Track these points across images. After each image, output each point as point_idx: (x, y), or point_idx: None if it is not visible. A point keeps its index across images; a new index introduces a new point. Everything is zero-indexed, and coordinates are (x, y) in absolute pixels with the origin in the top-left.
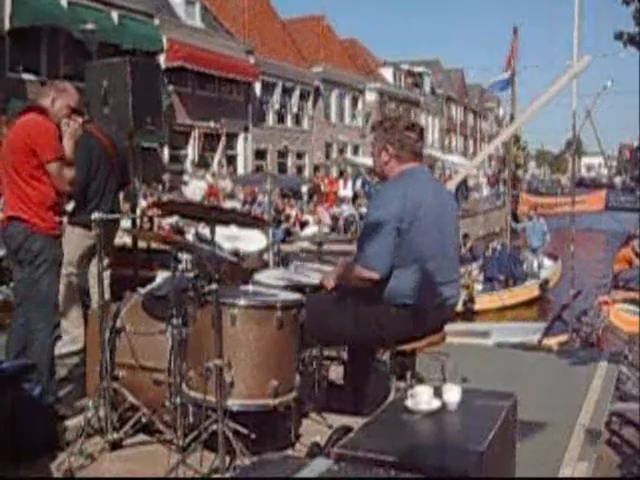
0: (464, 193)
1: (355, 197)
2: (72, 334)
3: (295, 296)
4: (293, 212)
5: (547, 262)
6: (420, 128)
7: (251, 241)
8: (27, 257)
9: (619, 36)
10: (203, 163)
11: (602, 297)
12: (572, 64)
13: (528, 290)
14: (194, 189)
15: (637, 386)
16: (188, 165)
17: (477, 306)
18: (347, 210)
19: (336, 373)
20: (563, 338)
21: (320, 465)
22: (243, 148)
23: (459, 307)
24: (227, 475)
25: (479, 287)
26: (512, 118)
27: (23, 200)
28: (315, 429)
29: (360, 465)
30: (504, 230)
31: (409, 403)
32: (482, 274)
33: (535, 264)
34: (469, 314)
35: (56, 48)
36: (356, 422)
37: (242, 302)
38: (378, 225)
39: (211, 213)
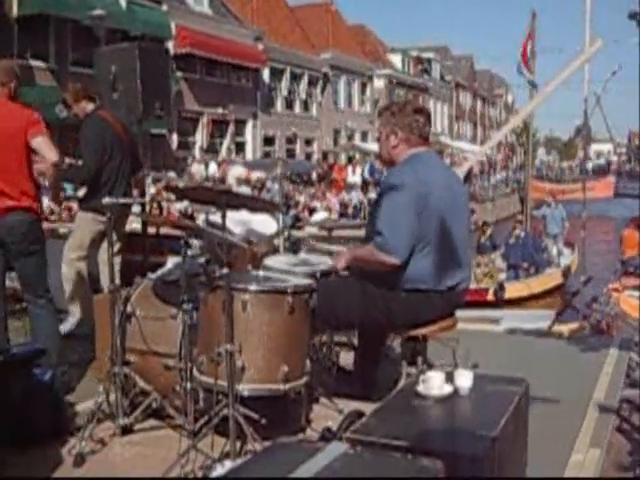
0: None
1: (364, 184)
2: (76, 317)
3: (306, 281)
4: (302, 198)
5: (565, 249)
6: (427, 112)
7: (262, 226)
8: (34, 246)
9: (633, 16)
10: (212, 149)
11: (612, 284)
12: (584, 48)
13: (552, 277)
14: (231, 176)
15: None
16: (197, 151)
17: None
18: (356, 196)
19: (346, 359)
20: (574, 325)
21: (336, 449)
22: (252, 135)
23: (490, 296)
24: (239, 460)
25: (502, 275)
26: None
27: (24, 192)
28: (325, 414)
29: (375, 449)
30: (515, 216)
31: (421, 388)
32: (505, 262)
33: (554, 251)
34: (500, 303)
35: (64, 34)
36: (367, 407)
37: (253, 287)
38: (396, 209)
39: (222, 197)
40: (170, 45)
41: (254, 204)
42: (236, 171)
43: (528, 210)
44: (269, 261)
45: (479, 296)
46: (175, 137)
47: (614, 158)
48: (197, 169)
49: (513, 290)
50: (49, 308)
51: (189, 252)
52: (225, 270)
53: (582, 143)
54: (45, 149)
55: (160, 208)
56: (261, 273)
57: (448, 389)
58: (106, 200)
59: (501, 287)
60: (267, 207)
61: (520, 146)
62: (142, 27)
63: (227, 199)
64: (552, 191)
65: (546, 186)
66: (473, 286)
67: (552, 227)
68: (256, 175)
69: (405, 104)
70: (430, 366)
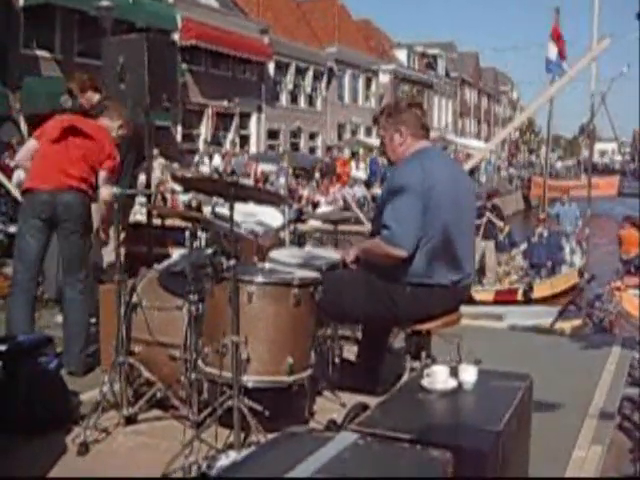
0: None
1: (368, 179)
2: None
3: (312, 274)
4: (305, 192)
5: (577, 248)
6: (420, 104)
7: (267, 219)
8: (84, 228)
9: None
10: (216, 142)
11: (615, 283)
12: (592, 47)
13: (572, 276)
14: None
15: None
16: (201, 144)
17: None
18: (359, 191)
19: (350, 353)
20: (576, 322)
21: (346, 439)
22: (256, 128)
23: (519, 296)
24: (244, 450)
25: (520, 273)
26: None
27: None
28: (329, 407)
29: (384, 440)
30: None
31: (425, 382)
32: (526, 260)
33: (567, 249)
34: (529, 303)
35: (70, 25)
36: (370, 401)
37: (259, 279)
38: (403, 202)
39: (230, 189)
40: (176, 37)
41: (261, 196)
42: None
43: (544, 207)
44: (275, 254)
45: (510, 296)
46: (180, 129)
47: (618, 157)
48: (202, 162)
49: (538, 290)
50: (85, 294)
51: (195, 244)
52: (232, 262)
53: (587, 141)
54: (103, 184)
55: (164, 199)
56: (267, 265)
57: (452, 383)
58: (114, 190)
59: (530, 287)
60: (274, 199)
61: (524, 144)
62: (148, 19)
63: (235, 191)
64: (564, 189)
65: (550, 183)
66: (497, 287)
67: (566, 225)
68: (260, 168)
69: (396, 103)
70: (434, 361)
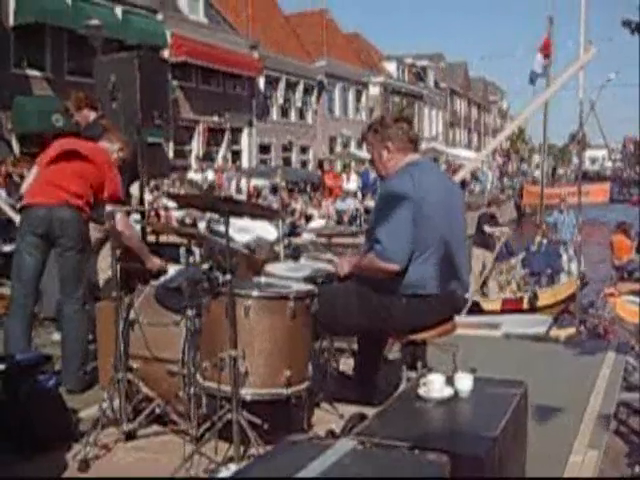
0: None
1: (361, 191)
2: None
3: (308, 287)
4: (298, 206)
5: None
6: (408, 119)
7: (262, 233)
8: (81, 244)
9: (627, 23)
10: (208, 158)
11: (608, 289)
12: (579, 55)
13: (572, 284)
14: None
15: None
16: (193, 160)
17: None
18: (352, 204)
19: (346, 365)
20: (571, 330)
21: (345, 445)
22: (247, 143)
23: (525, 305)
24: (244, 463)
25: (520, 282)
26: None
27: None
28: (327, 419)
29: (382, 446)
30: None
31: (422, 391)
32: (526, 269)
33: (565, 257)
34: (534, 311)
35: (60, 44)
36: (368, 411)
37: (255, 293)
38: (394, 216)
39: (225, 205)
40: (166, 54)
41: (256, 211)
42: None
43: (541, 216)
44: (270, 267)
45: (516, 305)
46: (171, 146)
47: (609, 164)
48: (195, 177)
49: (541, 298)
50: (82, 313)
51: (191, 259)
52: (228, 276)
53: (577, 149)
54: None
55: (158, 216)
56: (263, 279)
57: (449, 392)
58: (109, 208)
59: (535, 296)
60: (268, 214)
61: (515, 153)
62: (138, 36)
63: (229, 206)
64: (562, 196)
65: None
66: (501, 295)
67: (564, 234)
68: (253, 183)
69: (382, 118)
70: (430, 370)
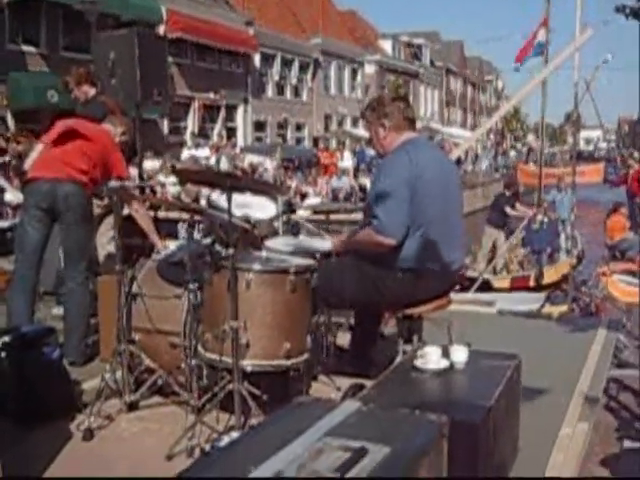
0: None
1: (356, 169)
2: None
3: (308, 261)
4: (293, 184)
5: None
6: (405, 98)
7: (261, 209)
8: (85, 218)
9: (621, 9)
10: (203, 134)
11: (600, 268)
12: (575, 36)
13: (572, 262)
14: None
15: (635, 354)
16: (188, 137)
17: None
18: (347, 182)
19: (344, 339)
20: (564, 307)
21: (350, 406)
22: (243, 120)
23: (532, 282)
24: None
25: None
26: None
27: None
28: (325, 391)
29: (384, 408)
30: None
31: (418, 363)
32: (526, 248)
33: (563, 236)
34: (541, 288)
35: (56, 19)
36: (365, 383)
37: (257, 267)
38: (391, 192)
39: (227, 180)
40: (161, 29)
41: (257, 187)
42: None
43: (540, 194)
44: (270, 242)
45: (523, 283)
46: (166, 122)
47: (604, 145)
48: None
49: (546, 276)
50: (85, 286)
51: (193, 233)
52: (231, 250)
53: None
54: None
55: (154, 193)
56: (264, 254)
57: (444, 363)
58: (112, 184)
59: (541, 273)
60: (269, 190)
61: (510, 132)
62: (133, 12)
63: (231, 182)
64: (561, 175)
65: (535, 170)
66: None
67: (562, 212)
68: (249, 160)
69: (380, 97)
70: (425, 344)
